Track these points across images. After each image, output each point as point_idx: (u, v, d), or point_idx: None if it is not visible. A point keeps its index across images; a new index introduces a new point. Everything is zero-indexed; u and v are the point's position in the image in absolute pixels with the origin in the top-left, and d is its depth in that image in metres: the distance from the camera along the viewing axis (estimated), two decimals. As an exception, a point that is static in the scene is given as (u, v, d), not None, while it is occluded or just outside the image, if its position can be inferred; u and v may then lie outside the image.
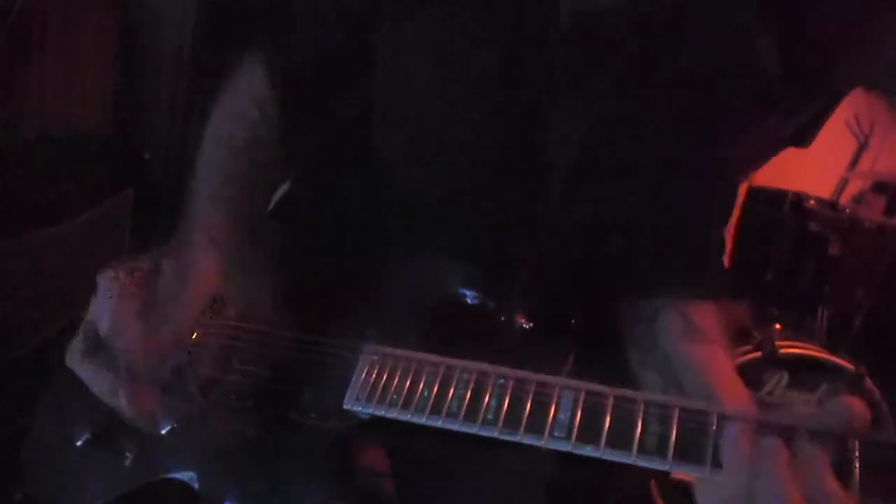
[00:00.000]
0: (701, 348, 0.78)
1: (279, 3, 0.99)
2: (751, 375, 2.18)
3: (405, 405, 0.73)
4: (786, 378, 2.27)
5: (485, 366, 0.70)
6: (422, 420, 0.71)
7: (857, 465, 0.51)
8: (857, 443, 0.52)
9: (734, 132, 0.86)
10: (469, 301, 0.80)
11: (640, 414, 0.59)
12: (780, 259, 2.57)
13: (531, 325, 0.79)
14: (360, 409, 0.78)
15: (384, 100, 0.91)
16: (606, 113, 0.81)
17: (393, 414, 0.74)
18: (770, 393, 2.27)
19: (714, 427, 0.56)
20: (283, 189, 1.07)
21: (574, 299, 0.89)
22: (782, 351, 2.18)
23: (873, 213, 2.99)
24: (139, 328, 0.82)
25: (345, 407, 0.79)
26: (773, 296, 2.56)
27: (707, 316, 0.84)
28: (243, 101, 0.96)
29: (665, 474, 1.89)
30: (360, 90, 0.94)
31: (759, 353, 2.15)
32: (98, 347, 0.83)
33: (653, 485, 2.26)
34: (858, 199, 3.17)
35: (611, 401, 0.61)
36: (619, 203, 0.84)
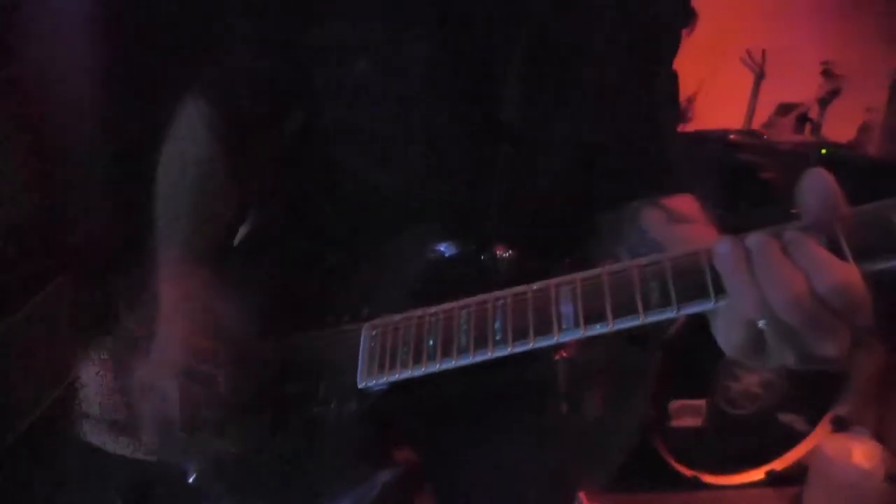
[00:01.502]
0: (686, 226, 0.81)
1: (207, 31, 1.00)
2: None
3: (416, 360, 0.75)
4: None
5: (480, 296, 0.72)
6: (436, 367, 0.73)
7: (842, 235, 0.53)
8: (836, 215, 0.54)
9: (664, 40, 0.92)
10: (447, 254, 0.82)
11: (636, 277, 0.61)
12: (718, 195, 2.67)
13: (511, 253, 0.81)
14: (374, 382, 0.79)
15: (330, 101, 0.92)
16: (551, 53, 0.85)
17: (407, 373, 0.75)
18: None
19: (706, 260, 0.58)
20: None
21: (553, 219, 0.91)
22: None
23: (785, 134, 3.18)
24: None
25: (360, 386, 0.80)
26: (720, 232, 2.66)
27: (685, 202, 0.87)
28: (191, 124, 0.96)
29: (667, 428, 1.92)
30: (303, 98, 0.96)
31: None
32: None
33: (658, 441, 2.30)
34: (768, 125, 3.34)
35: (605, 277, 0.63)
36: (578, 125, 0.88)
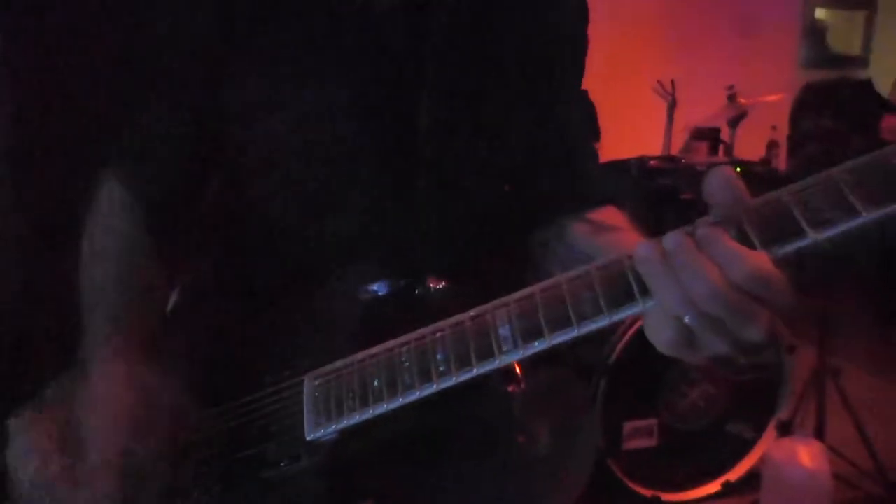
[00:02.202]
0: (613, 235, 0.84)
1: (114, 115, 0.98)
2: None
3: (363, 403, 0.74)
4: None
5: (419, 331, 0.73)
6: (384, 408, 0.72)
7: (749, 225, 0.56)
8: (742, 207, 0.57)
9: (568, 60, 0.96)
10: (380, 292, 0.82)
11: (566, 291, 0.63)
12: (643, 218, 2.77)
13: (444, 283, 0.82)
14: (322, 432, 0.77)
15: (249, 159, 0.91)
16: (461, 86, 0.88)
17: (356, 418, 0.74)
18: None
19: (628, 266, 0.61)
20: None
21: (482, 246, 0.92)
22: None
23: (700, 156, 3.35)
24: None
25: (308, 438, 0.78)
26: (645, 236, 2.74)
27: (611, 214, 0.90)
28: (108, 214, 0.94)
29: (620, 451, 1.93)
30: (221, 160, 0.95)
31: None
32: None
33: (615, 465, 2.33)
34: (685, 149, 3.51)
35: (538, 296, 0.65)
36: (495, 152, 0.90)
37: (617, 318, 0.60)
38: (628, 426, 2.41)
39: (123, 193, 0.94)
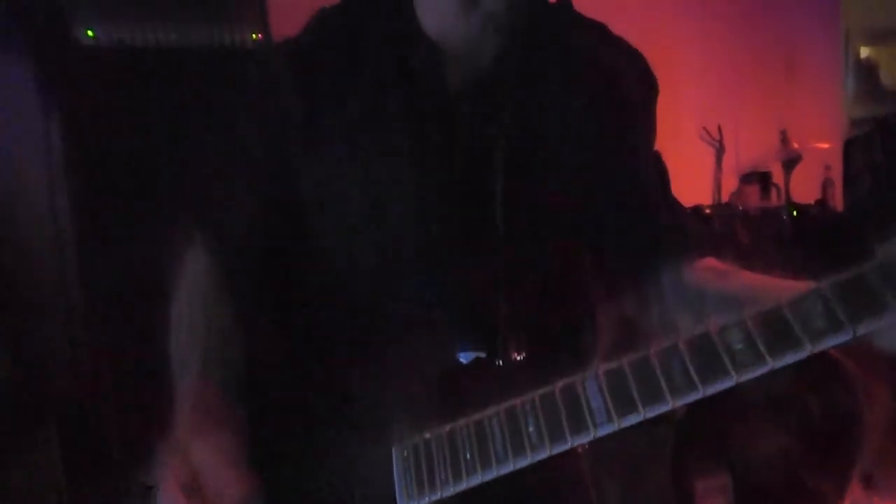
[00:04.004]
0: (747, 274, 0.82)
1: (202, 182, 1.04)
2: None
3: (456, 476, 0.75)
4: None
5: (507, 402, 0.74)
6: (478, 479, 0.73)
7: None
8: None
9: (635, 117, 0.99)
10: (464, 361, 0.84)
11: (657, 366, 0.64)
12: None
13: (525, 355, 0.84)
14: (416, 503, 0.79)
15: (331, 236, 0.96)
16: (533, 158, 0.92)
17: (450, 490, 0.76)
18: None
19: (718, 338, 0.61)
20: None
21: (560, 312, 0.95)
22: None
23: (753, 200, 3.33)
24: None
25: None
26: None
27: (714, 262, 0.89)
28: (195, 282, 0.98)
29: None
30: (303, 232, 0.99)
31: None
32: None
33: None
34: (737, 194, 3.48)
35: (627, 368, 0.66)
36: (568, 221, 0.94)
37: (710, 391, 0.61)
38: (700, 485, 2.33)
39: (207, 260, 0.98)
